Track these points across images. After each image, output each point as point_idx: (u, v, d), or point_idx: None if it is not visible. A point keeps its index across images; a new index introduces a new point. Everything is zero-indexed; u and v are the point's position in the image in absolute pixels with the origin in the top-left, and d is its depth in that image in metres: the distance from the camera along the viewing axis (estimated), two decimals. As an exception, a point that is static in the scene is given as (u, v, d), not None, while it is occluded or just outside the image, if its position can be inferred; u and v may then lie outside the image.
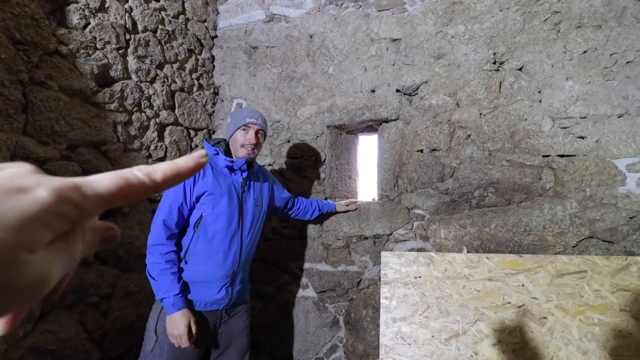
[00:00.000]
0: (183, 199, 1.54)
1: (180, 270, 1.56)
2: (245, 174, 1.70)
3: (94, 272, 1.74)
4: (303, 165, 2.39)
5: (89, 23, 1.73)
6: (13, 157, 1.40)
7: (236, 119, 1.71)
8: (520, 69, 2.00)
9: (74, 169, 1.63)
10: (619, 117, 1.83)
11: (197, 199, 1.58)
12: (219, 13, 2.69)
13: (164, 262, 1.49)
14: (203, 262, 1.58)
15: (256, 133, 1.69)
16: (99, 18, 1.78)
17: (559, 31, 1.95)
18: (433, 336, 1.77)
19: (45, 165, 1.52)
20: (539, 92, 1.96)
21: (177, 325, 1.43)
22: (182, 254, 1.58)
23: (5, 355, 1.38)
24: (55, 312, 1.58)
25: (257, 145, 1.70)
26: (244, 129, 1.68)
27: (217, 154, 1.67)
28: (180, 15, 2.35)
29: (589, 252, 1.84)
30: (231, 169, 1.67)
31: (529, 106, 1.96)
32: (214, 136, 2.62)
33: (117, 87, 1.86)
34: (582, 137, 1.88)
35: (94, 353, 1.73)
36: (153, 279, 1.49)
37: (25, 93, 1.46)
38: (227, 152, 1.74)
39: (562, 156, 1.90)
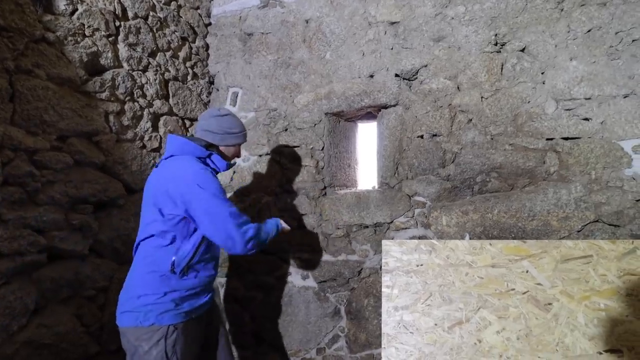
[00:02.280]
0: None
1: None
2: None
3: (90, 266, 1.71)
4: (301, 154, 2.34)
5: (77, 9, 1.68)
6: (1, 148, 1.36)
7: (239, 134, 1.67)
8: (522, 50, 1.94)
9: (66, 160, 1.59)
10: (625, 97, 1.78)
11: None
12: (212, -1, 2.62)
13: (258, 226, 1.55)
14: (209, 264, 1.54)
15: None
16: (87, 4, 1.72)
17: (562, 10, 1.89)
18: (436, 324, 1.74)
19: (35, 157, 1.48)
20: (542, 73, 1.90)
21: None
22: (185, 262, 1.43)
23: (-1, 350, 1.36)
24: (50, 306, 1.55)
25: None
26: (240, 145, 1.71)
27: (210, 155, 1.57)
28: (172, 2, 2.28)
29: (595, 237, 1.80)
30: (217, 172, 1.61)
31: (532, 88, 1.91)
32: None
33: (107, 75, 1.81)
34: (586, 119, 1.83)
35: (92, 347, 1.71)
36: (267, 234, 1.60)
37: (12, 82, 1.41)
38: None
39: (566, 139, 1.85)
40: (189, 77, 2.40)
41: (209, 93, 2.59)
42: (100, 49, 1.77)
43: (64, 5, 1.62)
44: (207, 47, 2.60)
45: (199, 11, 2.51)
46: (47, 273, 1.53)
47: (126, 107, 1.91)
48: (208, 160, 1.56)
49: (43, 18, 1.54)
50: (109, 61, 1.82)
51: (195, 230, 1.45)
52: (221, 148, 1.64)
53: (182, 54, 2.35)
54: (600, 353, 1.57)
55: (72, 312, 1.63)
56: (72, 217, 1.62)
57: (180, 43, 2.33)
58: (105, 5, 1.81)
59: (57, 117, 1.56)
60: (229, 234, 1.41)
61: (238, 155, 1.74)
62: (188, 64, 2.40)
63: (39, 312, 1.50)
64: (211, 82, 2.61)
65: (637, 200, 1.74)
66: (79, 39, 1.68)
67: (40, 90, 1.50)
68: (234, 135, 1.65)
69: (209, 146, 1.59)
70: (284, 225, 1.76)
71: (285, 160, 2.37)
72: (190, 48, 2.43)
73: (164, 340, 1.37)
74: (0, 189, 1.35)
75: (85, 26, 1.71)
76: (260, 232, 1.53)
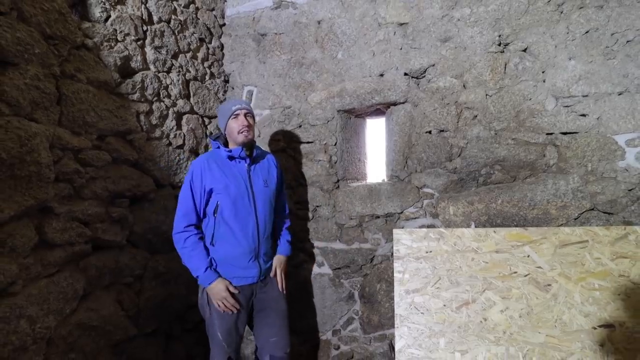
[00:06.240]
0: (193, 203, 1.74)
1: (208, 250, 1.75)
2: (248, 160, 1.85)
3: (127, 255, 1.85)
4: (315, 149, 2.47)
5: (110, 16, 1.79)
6: (52, 148, 1.48)
7: (224, 111, 1.87)
8: (524, 50, 2.07)
9: (105, 158, 1.72)
10: (619, 94, 1.91)
11: (210, 193, 1.76)
12: (226, 0, 2.72)
13: (187, 247, 1.69)
14: (227, 242, 1.76)
15: (245, 116, 1.83)
16: (119, 10, 1.83)
17: (562, 12, 2.01)
18: (444, 305, 1.88)
19: (80, 155, 1.61)
20: (543, 72, 2.03)
21: (216, 292, 1.68)
22: (209, 239, 1.77)
23: (55, 331, 1.50)
24: (95, 292, 1.69)
25: (249, 127, 1.83)
26: (234, 117, 1.82)
27: (219, 147, 1.85)
28: (191, 5, 2.39)
29: (590, 223, 1.94)
30: (232, 158, 1.82)
31: (533, 86, 2.04)
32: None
33: (137, 77, 1.92)
34: (584, 115, 1.96)
35: (131, 329, 1.85)
36: (187, 263, 1.72)
37: (58, 86, 1.53)
38: (225, 144, 1.91)
39: (565, 133, 1.99)
40: (207, 77, 2.52)
41: (225, 91, 2.70)
42: (130, 52, 1.88)
43: (99, 12, 1.73)
44: (222, 47, 2.70)
45: (214, 12, 2.61)
46: (92, 262, 1.67)
47: (154, 107, 2.03)
48: (220, 150, 1.83)
49: (82, 25, 1.65)
50: (138, 64, 1.93)
51: (215, 209, 1.75)
52: (226, 132, 1.86)
53: (200, 55, 2.46)
54: (595, 328, 1.71)
55: (114, 298, 1.77)
56: (111, 211, 1.75)
57: (198, 44, 2.44)
58: (133, 11, 1.91)
59: (97, 118, 1.68)
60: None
61: (239, 127, 1.79)
62: (206, 64, 2.51)
63: (86, 297, 1.65)
64: (226, 81, 2.72)
65: (630, 190, 1.88)
66: (112, 44, 1.79)
67: (82, 93, 1.62)
68: (222, 116, 1.87)
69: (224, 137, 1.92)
70: (215, 288, 1.69)
71: (299, 156, 2.50)
72: (207, 49, 2.54)
73: (204, 291, 1.76)
74: (53, 185, 1.48)
75: (118, 32, 1.82)
76: (185, 254, 1.72)
